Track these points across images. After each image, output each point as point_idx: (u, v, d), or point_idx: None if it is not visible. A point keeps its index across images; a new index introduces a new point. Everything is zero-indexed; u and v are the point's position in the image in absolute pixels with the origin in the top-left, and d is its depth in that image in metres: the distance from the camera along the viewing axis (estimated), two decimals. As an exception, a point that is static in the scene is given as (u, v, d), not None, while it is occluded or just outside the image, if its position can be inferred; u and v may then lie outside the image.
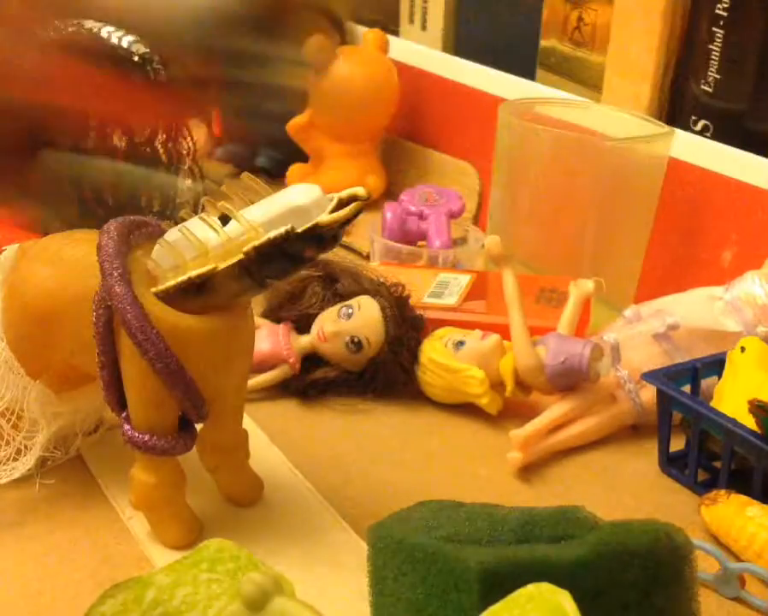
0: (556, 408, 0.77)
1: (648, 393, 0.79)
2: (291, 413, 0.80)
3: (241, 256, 0.56)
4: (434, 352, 0.80)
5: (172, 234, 0.59)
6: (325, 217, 0.55)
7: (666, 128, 0.95)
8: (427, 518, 0.54)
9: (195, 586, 0.46)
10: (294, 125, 1.24)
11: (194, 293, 0.58)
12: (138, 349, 0.58)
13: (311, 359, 0.82)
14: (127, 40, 0.94)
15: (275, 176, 1.30)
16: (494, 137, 1.13)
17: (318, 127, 1.24)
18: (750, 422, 0.68)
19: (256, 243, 0.56)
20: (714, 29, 0.94)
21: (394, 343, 0.80)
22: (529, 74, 1.18)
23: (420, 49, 1.30)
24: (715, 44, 0.94)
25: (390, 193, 1.25)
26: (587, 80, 1.11)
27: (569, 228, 0.96)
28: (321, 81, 1.23)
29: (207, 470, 0.67)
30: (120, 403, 0.62)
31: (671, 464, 0.75)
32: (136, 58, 0.90)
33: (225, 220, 0.58)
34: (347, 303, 0.81)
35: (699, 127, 0.97)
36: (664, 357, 0.80)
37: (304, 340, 0.82)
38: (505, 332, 0.80)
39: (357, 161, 1.25)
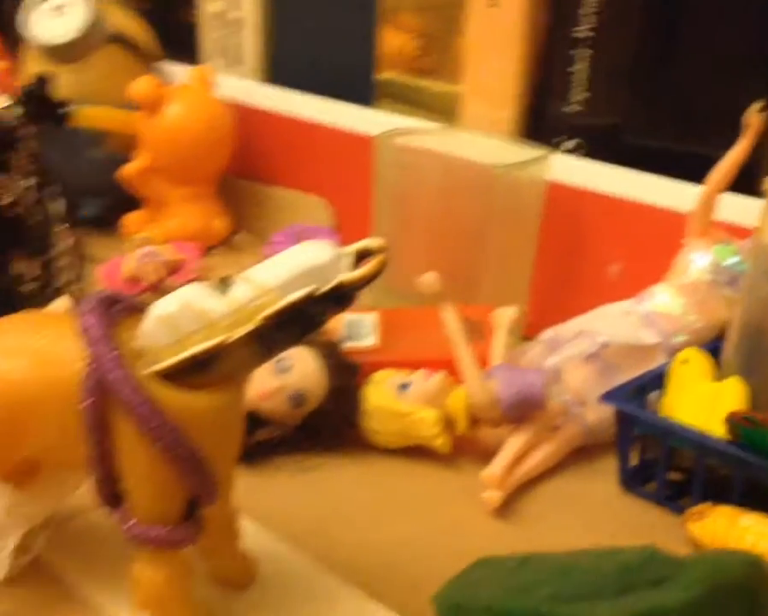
0: (515, 441, 0.76)
1: (593, 414, 0.79)
2: (240, 482, 0.74)
3: (256, 323, 0.51)
4: (381, 397, 0.77)
5: (168, 306, 0.53)
6: (350, 275, 0.52)
7: (544, 151, 0.96)
8: (504, 578, 0.51)
9: None
10: (130, 171, 1.17)
11: (195, 369, 0.53)
12: (149, 437, 0.52)
13: (249, 420, 0.77)
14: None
15: (104, 226, 1.22)
16: (338, 167, 1.11)
17: (156, 171, 1.17)
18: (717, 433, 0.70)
19: (276, 308, 0.51)
20: (579, 50, 0.96)
21: (338, 393, 0.77)
22: (367, 104, 1.17)
23: (248, 84, 1.26)
24: (581, 64, 0.97)
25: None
26: (436, 108, 1.11)
27: (461, 256, 0.96)
28: (152, 124, 1.16)
29: (200, 555, 0.61)
30: (115, 498, 0.55)
31: (633, 481, 0.76)
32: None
33: (224, 285, 0.53)
34: (281, 356, 0.77)
35: (570, 145, 1.00)
36: (598, 376, 0.81)
37: (239, 401, 0.77)
38: (440, 367, 0.79)
39: (199, 204, 1.19)
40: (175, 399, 0.52)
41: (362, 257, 0.54)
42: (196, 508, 0.56)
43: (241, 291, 0.52)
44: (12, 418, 0.55)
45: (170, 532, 0.55)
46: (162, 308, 0.53)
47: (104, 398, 0.53)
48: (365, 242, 0.54)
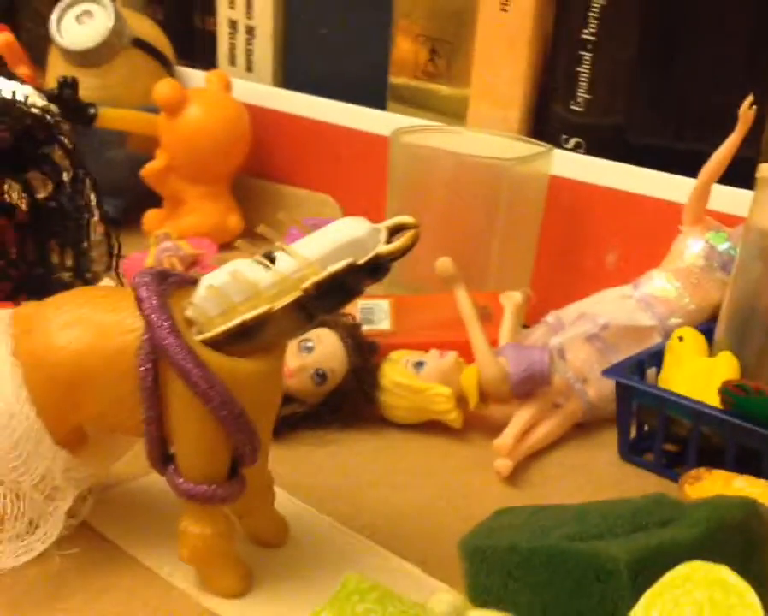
0: (522, 414, 0.81)
1: (594, 391, 0.85)
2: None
3: (299, 293, 0.57)
4: (398, 374, 0.83)
5: (217, 278, 0.59)
6: (386, 248, 0.57)
7: (547, 147, 1.02)
8: (523, 524, 0.57)
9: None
10: (150, 170, 1.23)
11: (242, 337, 0.58)
12: (200, 398, 0.57)
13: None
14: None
15: (121, 225, 1.27)
16: (350, 167, 1.17)
17: (174, 170, 1.23)
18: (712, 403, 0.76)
19: (317, 278, 0.57)
20: (582, 53, 1.02)
21: (358, 371, 0.82)
22: (379, 107, 1.22)
23: (262, 88, 1.32)
24: (583, 66, 1.03)
25: (248, 232, 1.26)
26: (444, 111, 1.17)
27: (469, 247, 1.02)
28: (173, 125, 1.22)
29: (237, 515, 0.66)
30: (165, 459, 0.61)
31: (632, 452, 0.82)
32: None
33: (269, 258, 0.59)
34: (304, 337, 0.82)
35: (571, 144, 1.06)
36: (599, 355, 0.87)
37: (264, 379, 0.82)
38: (450, 349, 0.85)
39: (215, 202, 1.25)
40: (224, 364, 0.58)
41: (395, 232, 0.59)
42: (239, 467, 0.62)
43: (285, 264, 0.58)
44: (73, 386, 0.60)
45: (217, 489, 0.60)
46: (213, 279, 0.59)
47: (159, 363, 0.58)
48: (398, 218, 0.59)
